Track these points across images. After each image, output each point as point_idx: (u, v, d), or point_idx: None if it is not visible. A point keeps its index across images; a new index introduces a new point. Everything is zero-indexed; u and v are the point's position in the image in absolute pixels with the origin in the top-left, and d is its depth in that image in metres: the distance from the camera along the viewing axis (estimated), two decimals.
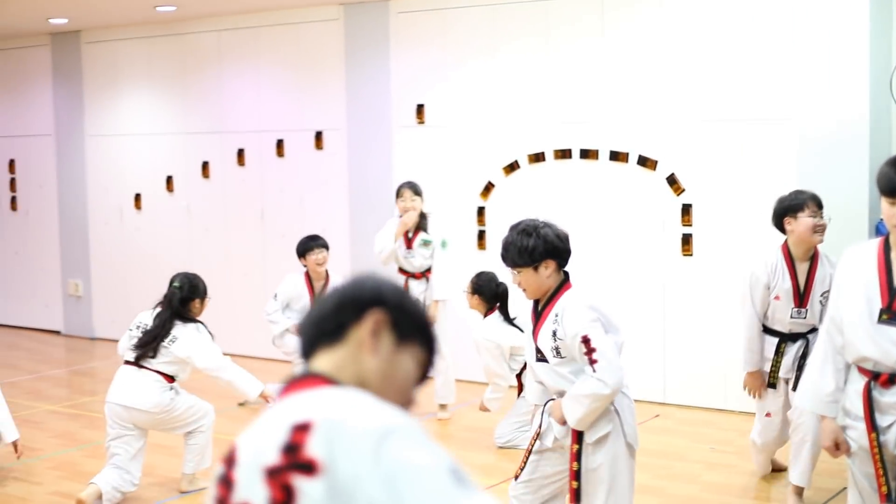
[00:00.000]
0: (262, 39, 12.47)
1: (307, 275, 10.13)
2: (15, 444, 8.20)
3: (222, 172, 12.91)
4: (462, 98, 11.03)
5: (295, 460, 2.10)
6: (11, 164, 15.05)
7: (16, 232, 15.07)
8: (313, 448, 2.09)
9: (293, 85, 12.29)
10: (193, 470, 8.01)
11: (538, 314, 5.47)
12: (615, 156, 10.18)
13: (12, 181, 15.07)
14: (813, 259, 7.19)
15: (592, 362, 5.21)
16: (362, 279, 2.47)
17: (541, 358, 5.47)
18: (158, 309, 7.81)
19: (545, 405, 5.58)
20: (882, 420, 4.95)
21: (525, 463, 5.63)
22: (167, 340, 7.67)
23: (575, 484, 5.37)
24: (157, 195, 13.54)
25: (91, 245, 14.27)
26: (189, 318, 7.78)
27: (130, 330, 7.86)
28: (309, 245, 10.05)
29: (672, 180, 9.89)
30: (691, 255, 9.85)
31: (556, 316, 5.34)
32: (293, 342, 10.14)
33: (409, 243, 9.76)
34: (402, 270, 9.78)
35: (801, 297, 7.18)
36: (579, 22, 10.29)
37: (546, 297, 5.45)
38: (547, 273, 5.38)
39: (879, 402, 4.95)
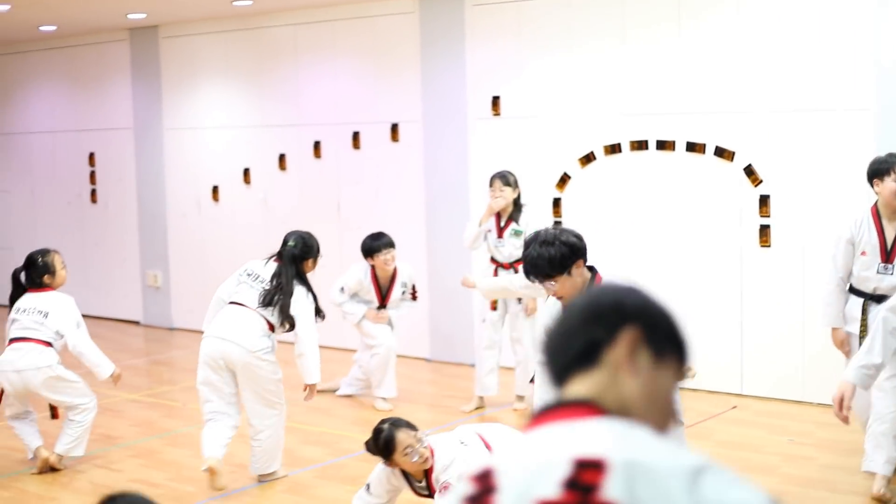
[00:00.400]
0: (337, 32, 12.53)
1: (373, 270, 10.12)
2: (113, 376, 8.47)
3: (299, 165, 13.00)
4: (538, 89, 11.02)
5: (588, 501, 1.96)
6: (91, 157, 15.24)
7: (96, 224, 15.27)
8: (612, 491, 1.96)
9: (369, 77, 12.34)
10: (263, 471, 8.06)
11: None
12: (692, 147, 10.13)
13: (92, 174, 15.27)
14: None
15: None
16: (603, 291, 2.30)
17: None
18: (273, 263, 7.93)
19: None
20: None
21: None
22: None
23: None
24: (235, 187, 13.66)
25: (169, 237, 14.43)
26: (304, 277, 7.91)
27: (240, 275, 7.97)
28: (375, 246, 10.02)
29: (749, 171, 9.83)
30: (769, 246, 9.78)
31: None
32: (372, 328, 10.16)
33: (500, 232, 9.68)
34: (492, 260, 9.76)
35: (888, 253, 7.27)
36: (655, 12, 10.25)
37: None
38: (578, 272, 5.50)
39: None
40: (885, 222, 7.35)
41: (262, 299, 7.79)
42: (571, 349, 2.23)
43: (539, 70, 11.00)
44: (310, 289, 7.94)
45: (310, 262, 8.01)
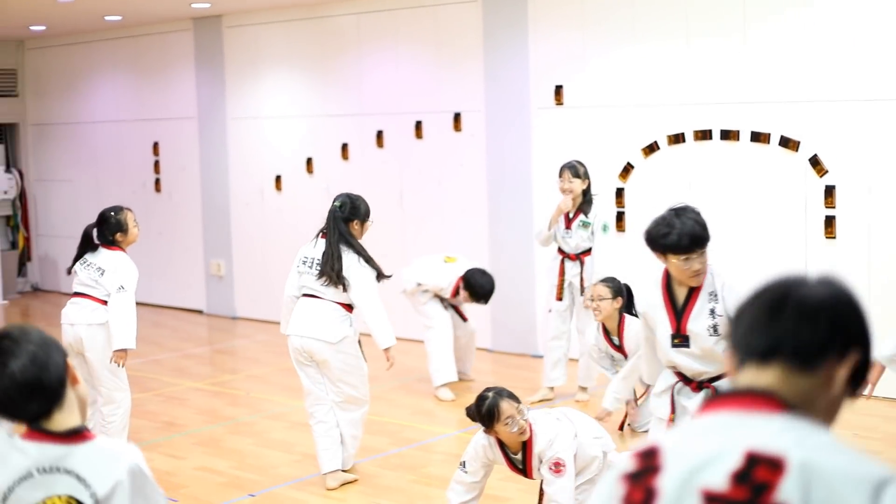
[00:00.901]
0: (400, 21, 12.53)
1: (455, 288, 10.11)
2: (116, 352, 7.85)
3: (361, 154, 13.02)
4: (601, 79, 10.97)
5: (760, 500, 1.95)
6: (156, 146, 15.36)
7: (160, 213, 15.37)
8: (787, 492, 1.94)
9: (432, 66, 12.34)
10: (345, 466, 7.93)
11: (685, 299, 5.55)
12: (756, 137, 10.04)
13: (156, 163, 15.38)
14: None
15: None
16: (845, 297, 2.19)
17: (679, 343, 5.56)
18: (321, 240, 7.67)
19: (673, 388, 5.70)
20: None
21: None
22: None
23: None
24: (298, 177, 13.70)
25: (233, 226, 14.50)
26: (353, 242, 7.62)
27: (297, 266, 7.78)
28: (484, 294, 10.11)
29: (815, 161, 9.73)
30: (834, 237, 9.68)
31: (711, 294, 5.48)
32: (431, 310, 10.16)
33: (568, 223, 9.61)
34: (560, 251, 9.70)
35: None
36: (720, 2, 10.16)
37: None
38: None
39: None
40: None
41: (322, 280, 7.61)
42: (792, 343, 2.14)
43: (602, 60, 10.94)
44: (361, 251, 7.62)
45: (356, 223, 7.66)
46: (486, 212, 11.89)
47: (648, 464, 2.10)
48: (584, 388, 9.79)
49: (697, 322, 5.48)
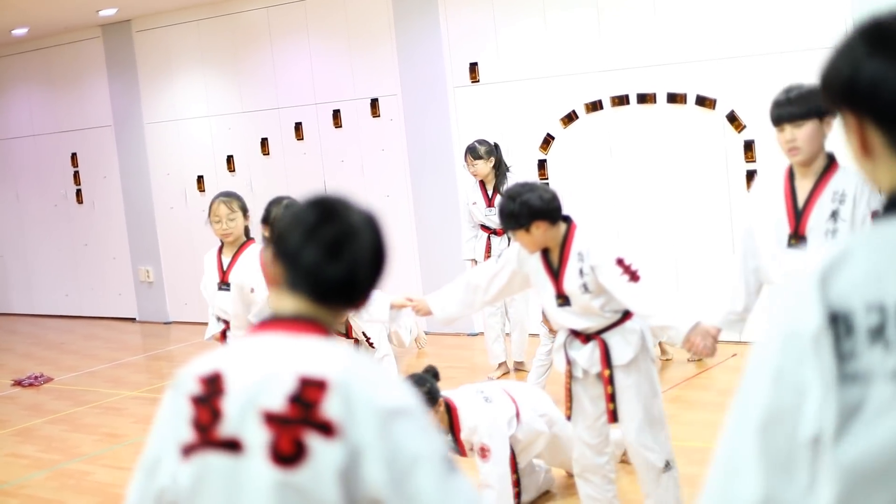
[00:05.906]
0: (310, 12, 12.46)
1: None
2: None
3: (281, 148, 12.95)
4: (515, 53, 10.97)
5: (308, 417, 2.20)
6: (74, 157, 15.18)
7: (83, 224, 15.21)
8: (333, 408, 2.20)
9: (345, 55, 12.28)
10: None
11: (558, 262, 5.58)
12: (673, 98, 10.09)
13: (76, 174, 15.21)
14: None
15: (636, 277, 5.39)
16: (376, 237, 2.47)
17: (563, 303, 5.60)
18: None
19: (565, 342, 5.74)
20: None
21: (570, 401, 5.81)
22: None
23: (612, 405, 5.66)
24: (220, 176, 13.61)
25: (158, 231, 14.38)
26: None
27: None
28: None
29: (732, 118, 9.79)
30: None
31: (579, 255, 5.51)
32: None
33: (489, 202, 9.45)
34: (483, 227, 9.54)
35: None
36: None
37: (559, 245, 5.56)
38: (540, 231, 5.43)
39: None
40: None
41: None
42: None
43: (515, 32, 10.94)
44: None
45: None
46: (410, 195, 11.87)
47: (213, 388, 2.32)
48: (519, 363, 9.77)
49: (570, 282, 5.53)
